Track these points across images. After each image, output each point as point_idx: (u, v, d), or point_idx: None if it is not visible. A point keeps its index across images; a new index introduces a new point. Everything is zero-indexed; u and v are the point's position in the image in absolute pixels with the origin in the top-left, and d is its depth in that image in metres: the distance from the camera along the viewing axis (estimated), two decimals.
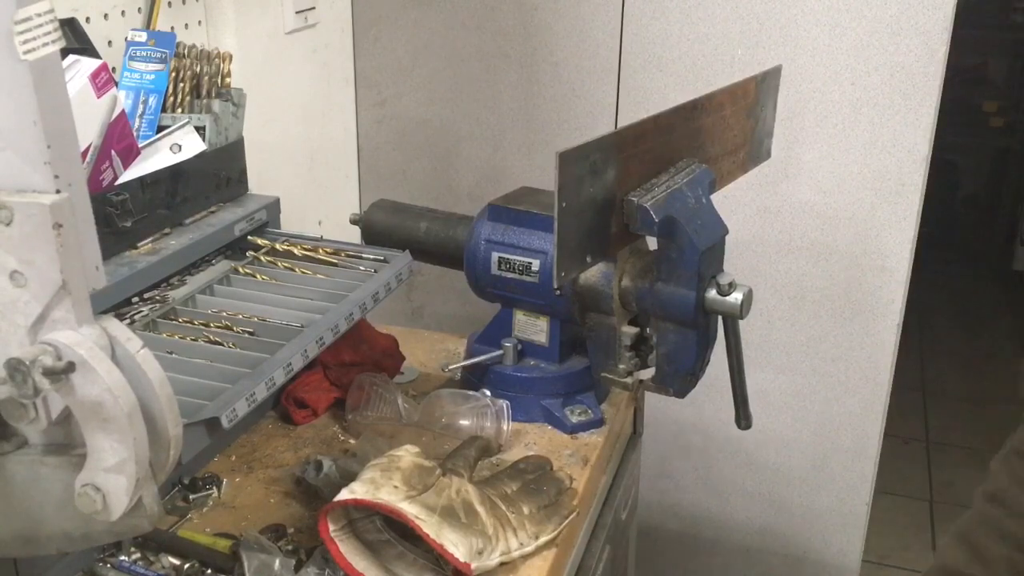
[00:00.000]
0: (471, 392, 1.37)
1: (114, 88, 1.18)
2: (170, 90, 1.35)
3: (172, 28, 1.45)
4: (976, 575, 0.93)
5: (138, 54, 1.33)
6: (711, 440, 2.02)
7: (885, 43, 1.65)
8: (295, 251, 1.39)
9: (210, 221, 1.34)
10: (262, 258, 1.38)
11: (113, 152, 1.18)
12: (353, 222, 1.58)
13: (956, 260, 4.54)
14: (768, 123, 1.44)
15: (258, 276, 1.34)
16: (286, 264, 1.37)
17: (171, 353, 1.14)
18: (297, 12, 1.74)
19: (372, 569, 1.05)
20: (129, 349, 0.71)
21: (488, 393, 1.37)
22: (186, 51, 1.38)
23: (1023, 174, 4.38)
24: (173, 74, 1.35)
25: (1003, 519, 0.93)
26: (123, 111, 1.19)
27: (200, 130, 1.34)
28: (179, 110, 1.36)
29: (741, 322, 1.22)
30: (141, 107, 1.32)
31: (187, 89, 1.36)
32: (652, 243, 1.21)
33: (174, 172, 1.28)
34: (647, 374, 1.31)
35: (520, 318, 1.41)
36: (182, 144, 1.30)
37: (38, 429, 0.73)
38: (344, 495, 1.03)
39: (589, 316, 1.31)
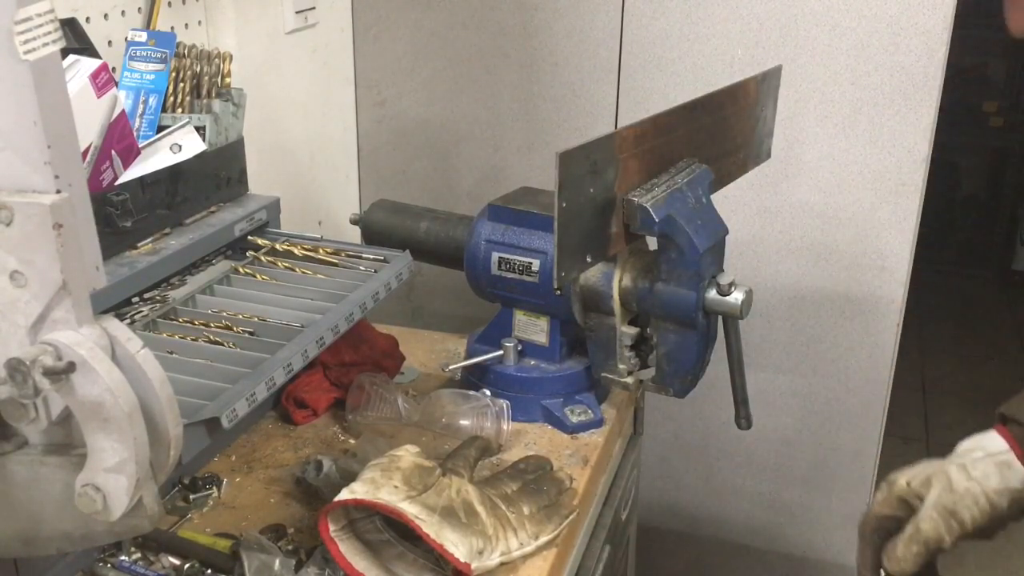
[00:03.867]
0: (471, 392, 1.37)
1: (114, 88, 1.18)
2: (170, 90, 1.35)
3: (172, 28, 1.45)
4: None
5: (138, 54, 1.33)
6: (711, 440, 2.02)
7: (885, 43, 1.65)
8: (295, 251, 1.39)
9: (210, 221, 1.34)
10: (262, 258, 1.38)
11: (113, 152, 1.18)
12: (353, 222, 1.58)
13: (956, 260, 4.54)
14: (768, 123, 1.44)
15: (258, 276, 1.34)
16: (286, 264, 1.37)
17: (171, 353, 1.14)
18: (297, 12, 1.73)
19: (372, 569, 1.05)
20: (129, 349, 0.71)
21: (488, 393, 1.37)
22: (186, 51, 1.38)
23: (1023, 174, 4.38)
24: (173, 74, 1.35)
25: None
26: (123, 111, 1.19)
27: (200, 130, 1.34)
28: (179, 110, 1.36)
29: (741, 322, 1.23)
30: (141, 107, 1.32)
31: (187, 89, 1.36)
32: (652, 243, 1.22)
33: (174, 172, 1.28)
34: (647, 374, 1.31)
35: (520, 318, 1.41)
36: (182, 144, 1.30)
37: (38, 429, 0.73)
38: (344, 495, 1.03)
39: (589, 316, 1.31)
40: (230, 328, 1.21)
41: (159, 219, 1.27)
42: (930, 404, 3.59)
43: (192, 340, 1.18)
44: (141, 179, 1.22)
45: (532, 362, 1.42)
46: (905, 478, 0.99)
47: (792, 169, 1.77)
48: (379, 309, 1.33)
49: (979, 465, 0.98)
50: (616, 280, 1.26)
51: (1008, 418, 0.99)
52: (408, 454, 1.12)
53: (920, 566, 0.94)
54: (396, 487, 1.05)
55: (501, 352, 1.40)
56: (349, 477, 1.11)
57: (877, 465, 1.95)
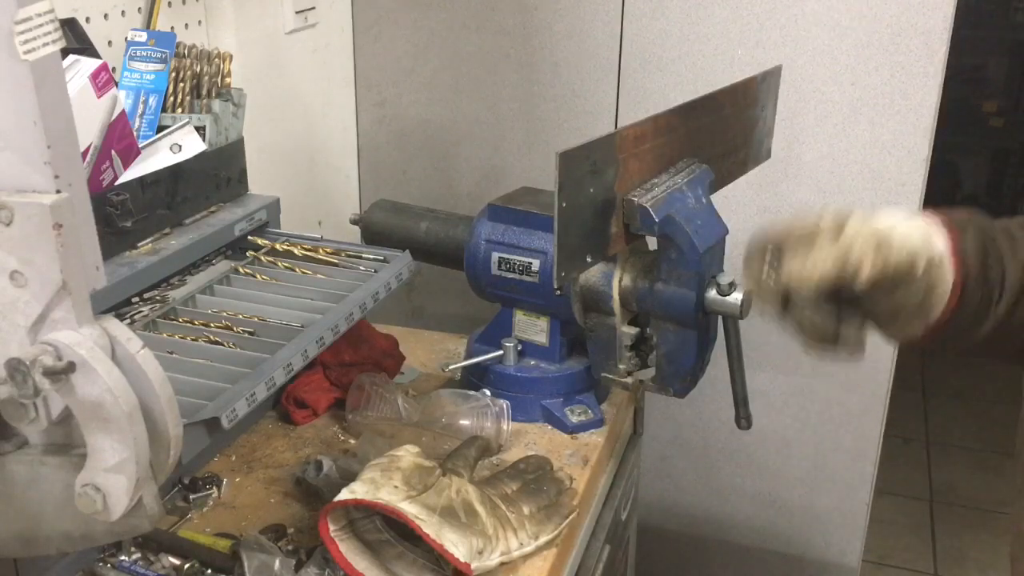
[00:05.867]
0: (471, 392, 1.37)
1: (114, 88, 1.18)
2: (170, 90, 1.35)
3: (172, 28, 1.45)
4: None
5: (138, 54, 1.33)
6: (711, 440, 2.02)
7: (885, 43, 1.65)
8: (295, 251, 1.39)
9: (210, 221, 1.34)
10: (262, 258, 1.38)
11: (113, 152, 1.18)
12: (353, 222, 1.58)
13: None
14: (768, 123, 1.44)
15: (258, 276, 1.34)
16: (286, 264, 1.37)
17: (171, 353, 1.14)
18: (297, 12, 1.73)
19: (372, 569, 1.05)
20: (129, 349, 0.71)
21: (488, 393, 1.37)
22: (186, 51, 1.38)
23: (1023, 174, 4.38)
24: (173, 74, 1.35)
25: None
26: (123, 111, 1.19)
27: (200, 130, 1.34)
28: (179, 110, 1.36)
29: (741, 322, 1.22)
30: (141, 107, 1.32)
31: (187, 89, 1.36)
32: (652, 243, 1.21)
33: (174, 172, 1.28)
34: (647, 374, 1.31)
35: (520, 318, 1.41)
36: (182, 144, 1.30)
37: (38, 429, 0.73)
38: (344, 495, 1.03)
39: (589, 316, 1.31)
40: (230, 328, 1.21)
41: (159, 219, 1.27)
42: (930, 404, 3.59)
43: (192, 340, 1.18)
44: (141, 179, 1.22)
45: (532, 362, 1.42)
46: (825, 207, 0.89)
47: (792, 169, 1.77)
48: (379, 309, 1.33)
49: (905, 221, 0.90)
50: (616, 280, 1.26)
51: (944, 218, 0.91)
52: (408, 454, 1.12)
53: (828, 287, 0.86)
54: (396, 487, 1.05)
55: (501, 352, 1.40)
56: (349, 477, 1.11)
57: (877, 465, 1.95)
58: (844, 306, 0.93)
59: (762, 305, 0.95)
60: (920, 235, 0.90)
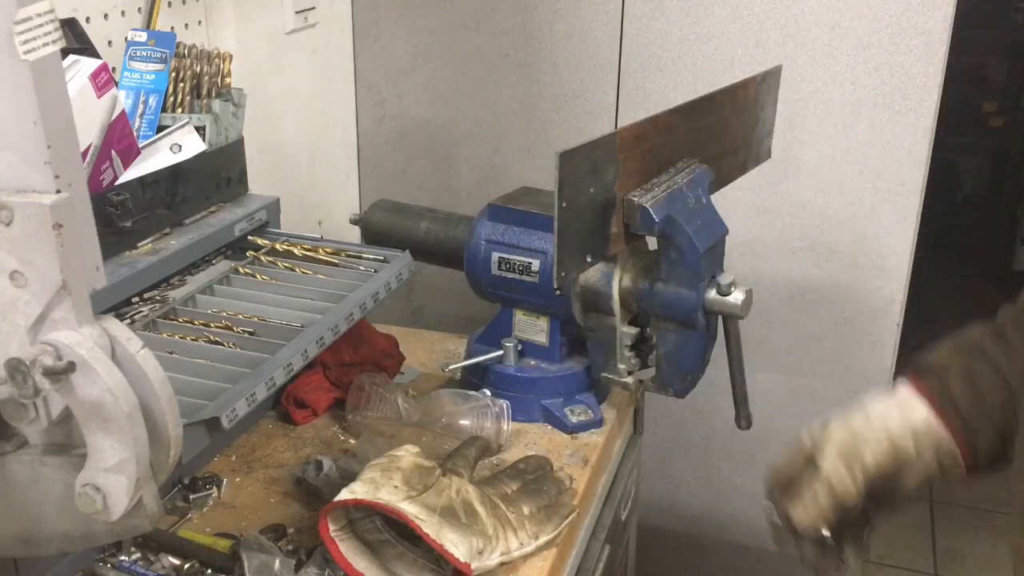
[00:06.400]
0: (471, 392, 1.37)
1: (114, 88, 1.18)
2: (170, 90, 1.35)
3: (172, 28, 1.45)
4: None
5: (138, 54, 1.33)
6: (711, 440, 2.02)
7: (885, 43, 1.65)
8: (295, 251, 1.39)
9: (210, 221, 1.34)
10: (262, 258, 1.38)
11: (113, 152, 1.18)
12: (353, 222, 1.58)
13: (956, 260, 4.53)
14: (768, 123, 1.44)
15: (258, 276, 1.34)
16: (286, 264, 1.37)
17: (171, 353, 1.14)
18: (297, 12, 1.73)
19: (372, 569, 1.05)
20: (129, 349, 0.71)
21: (488, 393, 1.37)
22: (186, 51, 1.38)
23: (1023, 174, 4.38)
24: (173, 74, 1.35)
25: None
26: (123, 111, 1.19)
27: (200, 130, 1.34)
28: (179, 110, 1.36)
29: (741, 322, 1.22)
30: (141, 107, 1.32)
31: (187, 89, 1.36)
32: (652, 243, 1.22)
33: (174, 172, 1.28)
34: (647, 374, 1.31)
35: (520, 318, 1.41)
36: (182, 144, 1.30)
37: (38, 429, 0.73)
38: (344, 495, 1.03)
39: (589, 316, 1.31)
40: (230, 328, 1.21)
41: (159, 219, 1.27)
42: None
43: (192, 340, 1.18)
44: (141, 179, 1.22)
45: (532, 362, 1.41)
46: (806, 432, 0.96)
47: (792, 169, 1.77)
48: (379, 309, 1.33)
49: (877, 406, 0.96)
50: (616, 280, 1.26)
51: (923, 371, 0.96)
52: (408, 454, 1.12)
53: (831, 519, 0.92)
54: (396, 487, 1.05)
55: (501, 352, 1.40)
56: (349, 477, 1.11)
57: None
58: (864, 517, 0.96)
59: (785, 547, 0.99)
60: (896, 414, 0.94)
